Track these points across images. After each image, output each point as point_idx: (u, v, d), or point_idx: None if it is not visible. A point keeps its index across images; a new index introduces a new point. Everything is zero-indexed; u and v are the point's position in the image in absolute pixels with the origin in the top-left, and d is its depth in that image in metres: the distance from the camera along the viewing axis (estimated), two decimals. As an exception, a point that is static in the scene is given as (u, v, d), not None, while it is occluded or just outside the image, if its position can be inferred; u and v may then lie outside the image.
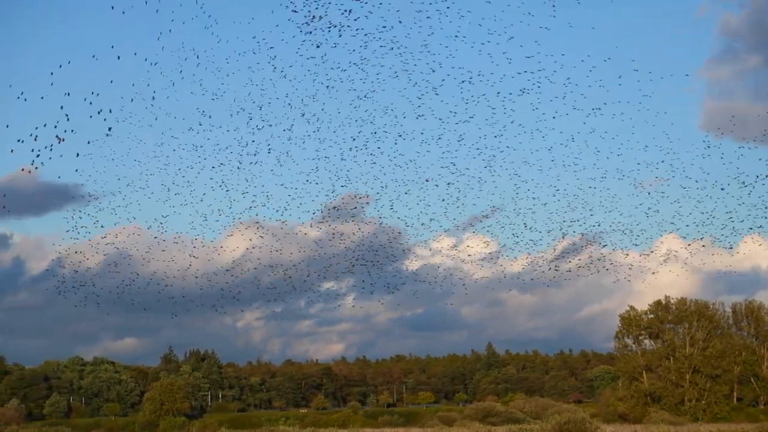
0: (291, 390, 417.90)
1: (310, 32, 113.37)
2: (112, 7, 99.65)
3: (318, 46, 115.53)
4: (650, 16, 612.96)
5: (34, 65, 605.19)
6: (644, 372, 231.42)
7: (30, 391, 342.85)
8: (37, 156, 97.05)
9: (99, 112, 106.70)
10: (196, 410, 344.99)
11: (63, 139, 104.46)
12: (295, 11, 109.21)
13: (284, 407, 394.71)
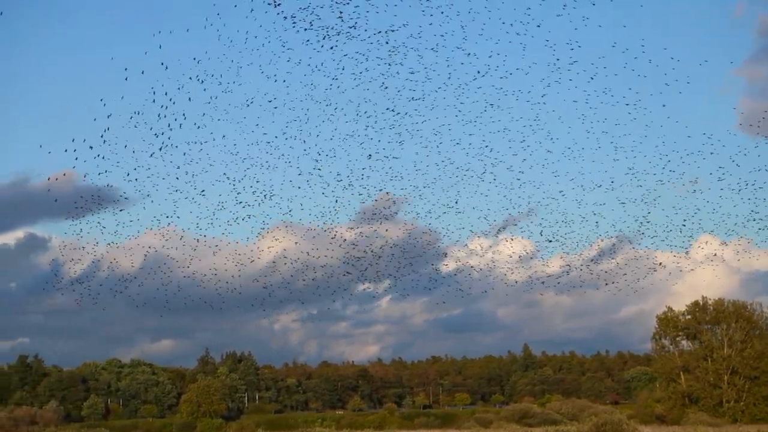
0: (327, 391, 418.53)
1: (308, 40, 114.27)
2: None
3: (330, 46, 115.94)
4: (688, 17, 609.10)
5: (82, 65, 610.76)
6: (682, 373, 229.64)
7: (68, 392, 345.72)
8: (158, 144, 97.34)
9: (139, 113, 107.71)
10: (233, 412, 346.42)
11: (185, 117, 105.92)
12: (283, 17, 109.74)
13: (320, 409, 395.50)
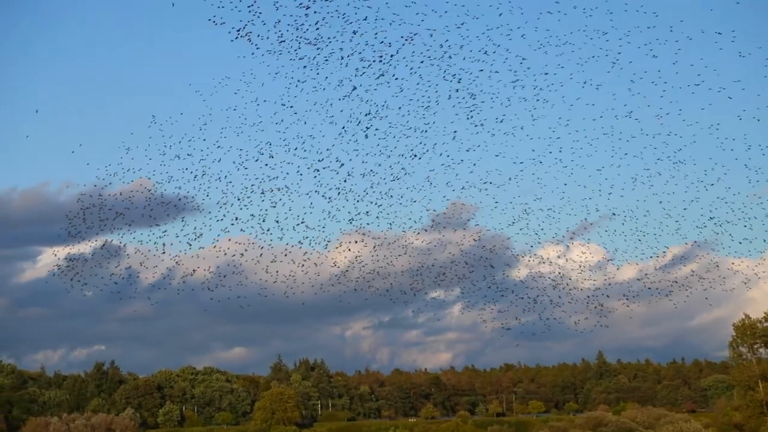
0: (400, 399, 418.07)
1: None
2: None
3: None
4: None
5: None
6: (760, 381, 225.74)
7: (144, 400, 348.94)
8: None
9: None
10: (307, 419, 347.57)
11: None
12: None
13: (393, 416, 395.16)
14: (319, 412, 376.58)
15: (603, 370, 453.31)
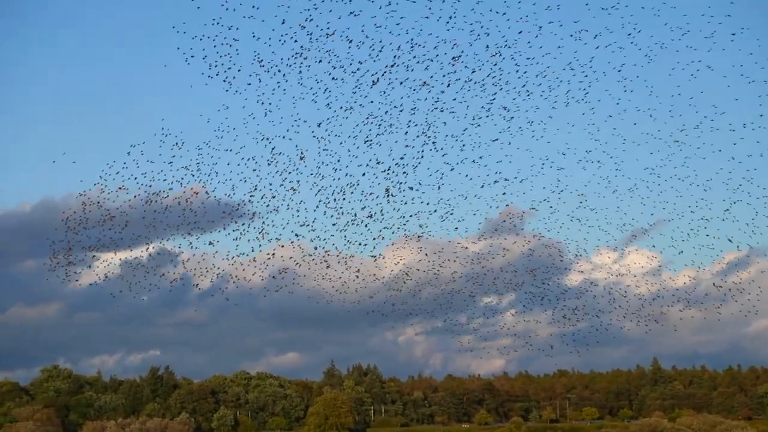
0: (453, 405, 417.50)
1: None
2: None
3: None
4: None
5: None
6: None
7: (198, 404, 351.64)
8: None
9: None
10: (360, 424, 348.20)
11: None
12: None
13: (446, 422, 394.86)
14: (372, 417, 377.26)
15: (658, 376, 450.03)
